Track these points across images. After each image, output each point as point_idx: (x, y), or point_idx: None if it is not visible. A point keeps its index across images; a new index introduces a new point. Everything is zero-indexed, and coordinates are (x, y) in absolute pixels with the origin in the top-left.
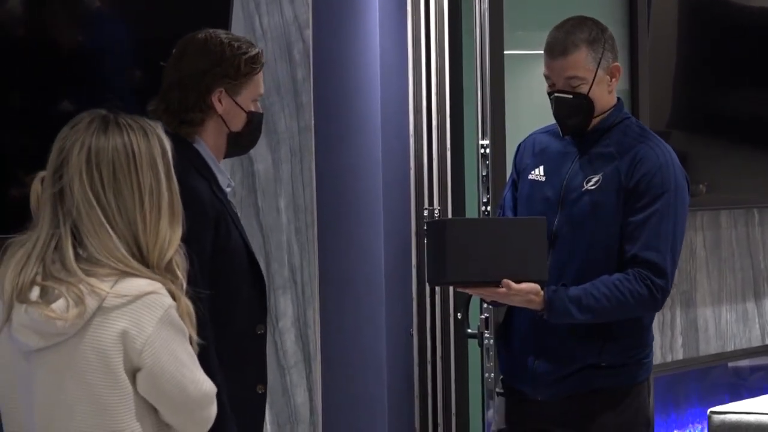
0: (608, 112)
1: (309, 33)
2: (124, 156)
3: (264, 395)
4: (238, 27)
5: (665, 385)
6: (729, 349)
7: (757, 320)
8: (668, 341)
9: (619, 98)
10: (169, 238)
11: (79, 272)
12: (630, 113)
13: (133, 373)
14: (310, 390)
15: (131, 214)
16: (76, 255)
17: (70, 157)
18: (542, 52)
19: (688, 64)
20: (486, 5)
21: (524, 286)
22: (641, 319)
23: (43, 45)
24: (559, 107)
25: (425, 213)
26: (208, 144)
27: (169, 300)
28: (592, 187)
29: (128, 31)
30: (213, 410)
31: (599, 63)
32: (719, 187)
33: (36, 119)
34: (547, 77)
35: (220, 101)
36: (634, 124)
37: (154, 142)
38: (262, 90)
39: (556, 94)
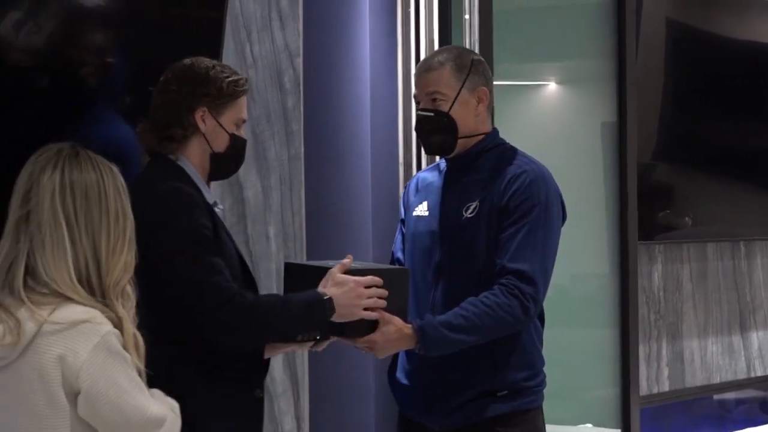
0: (480, 138)
1: (299, 61)
2: (95, 184)
3: (262, 400)
4: (228, 55)
5: (651, 417)
6: (715, 382)
7: (742, 353)
8: (654, 373)
9: (495, 128)
10: (128, 263)
11: (24, 298)
12: (505, 142)
13: (74, 396)
14: (298, 418)
15: (97, 235)
16: (26, 279)
17: (42, 180)
18: (527, 83)
19: (676, 97)
20: (476, 36)
21: (378, 335)
22: (526, 342)
23: (36, 72)
24: (420, 124)
25: None
26: (193, 163)
27: (106, 328)
28: (470, 215)
29: (121, 59)
30: None
31: (464, 83)
32: (706, 219)
33: (32, 145)
34: (415, 97)
35: (203, 120)
36: (508, 149)
37: (118, 178)
38: (245, 115)
39: (418, 111)
